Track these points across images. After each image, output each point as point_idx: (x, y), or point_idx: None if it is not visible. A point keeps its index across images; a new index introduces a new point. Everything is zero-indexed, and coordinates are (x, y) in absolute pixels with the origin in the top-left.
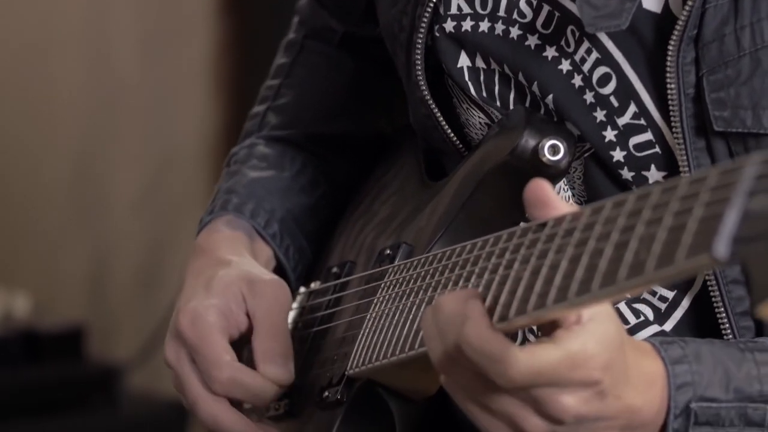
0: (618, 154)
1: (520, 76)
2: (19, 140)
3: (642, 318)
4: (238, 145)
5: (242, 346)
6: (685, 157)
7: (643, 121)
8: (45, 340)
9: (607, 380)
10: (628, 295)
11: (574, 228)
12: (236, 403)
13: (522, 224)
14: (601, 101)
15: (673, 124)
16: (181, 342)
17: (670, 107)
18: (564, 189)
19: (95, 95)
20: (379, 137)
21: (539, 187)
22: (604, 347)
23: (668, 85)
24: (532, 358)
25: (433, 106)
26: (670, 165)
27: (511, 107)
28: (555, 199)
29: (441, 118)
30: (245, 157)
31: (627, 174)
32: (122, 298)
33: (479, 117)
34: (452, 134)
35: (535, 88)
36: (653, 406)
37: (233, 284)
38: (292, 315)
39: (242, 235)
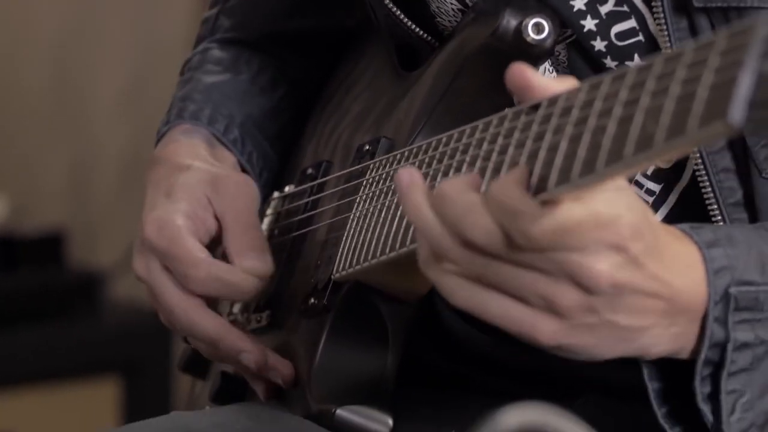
0: (599, 44)
1: None
2: None
3: None
4: (192, 51)
5: (214, 249)
6: (668, 41)
7: (625, 8)
8: (23, 246)
9: (638, 248)
10: (635, 173)
11: (571, 106)
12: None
13: (513, 107)
14: None
15: (654, 6)
16: (151, 252)
17: None
18: (549, 71)
19: None
20: (340, 31)
21: (519, 71)
22: (631, 211)
23: None
24: (555, 215)
25: (391, 5)
26: (653, 53)
27: None
28: (541, 80)
29: (402, 16)
30: (199, 62)
31: (610, 63)
32: (105, 201)
33: (452, 3)
34: (418, 29)
35: None
36: (694, 291)
37: (196, 188)
38: (266, 222)
39: (201, 142)
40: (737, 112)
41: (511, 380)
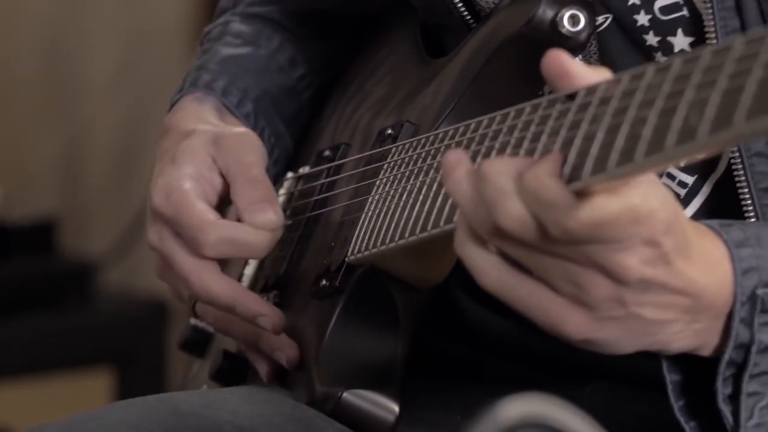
0: (642, 18)
1: None
2: None
3: None
4: (212, 23)
5: (224, 208)
6: (711, 18)
7: None
8: (14, 234)
9: (669, 244)
10: (673, 165)
11: (611, 96)
12: None
13: (547, 95)
14: None
15: None
16: (161, 220)
17: None
18: (580, 62)
19: None
20: (365, 17)
21: (557, 57)
22: (665, 206)
23: None
24: (592, 208)
25: None
26: (696, 30)
27: None
28: (579, 68)
29: None
30: (218, 34)
31: (652, 39)
32: (97, 187)
33: None
34: (460, 4)
35: None
36: (720, 290)
37: (200, 149)
38: (279, 201)
39: (210, 109)
40: None
41: (523, 366)
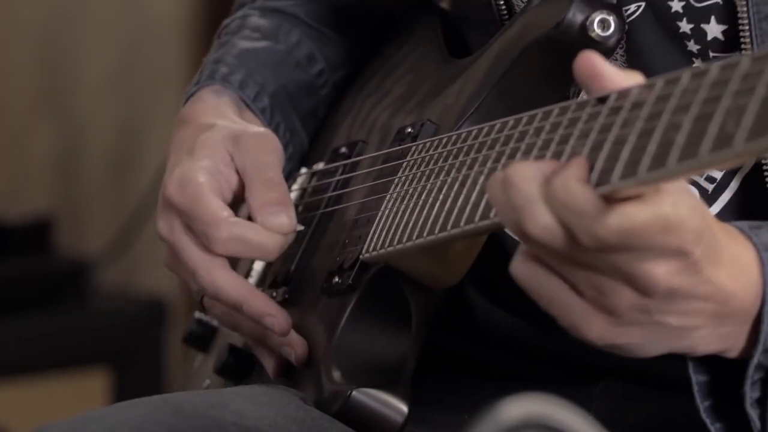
0: (676, 5)
1: None
2: None
3: None
4: (231, 16)
5: (237, 207)
6: (745, 5)
7: None
8: (9, 233)
9: (698, 253)
10: (705, 172)
11: (644, 101)
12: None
13: (577, 98)
14: None
15: None
16: (173, 211)
17: None
18: None
19: None
20: (386, 17)
21: (590, 58)
22: (696, 214)
23: None
24: (622, 216)
25: None
26: (729, 17)
27: None
28: (611, 71)
29: None
30: (237, 28)
31: (685, 26)
32: (94, 185)
33: None
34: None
35: None
36: (748, 294)
37: (218, 144)
38: (292, 197)
39: (229, 102)
40: None
41: (533, 364)
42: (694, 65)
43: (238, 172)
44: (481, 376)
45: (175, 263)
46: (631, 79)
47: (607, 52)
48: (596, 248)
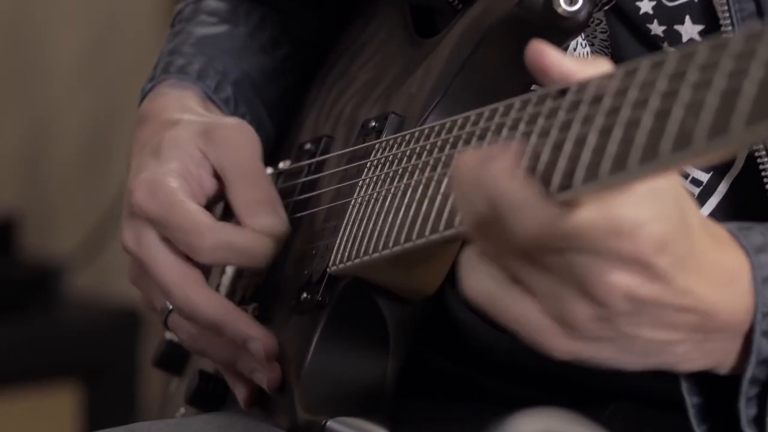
0: (645, 5)
1: None
2: None
3: None
4: (184, 1)
5: (212, 211)
6: (725, 3)
7: None
8: None
9: (663, 264)
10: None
11: (603, 94)
12: None
13: (538, 90)
14: None
15: None
16: (143, 220)
17: None
18: (582, 45)
19: None
20: None
21: (536, 51)
22: (658, 221)
23: None
24: (564, 212)
25: None
26: (706, 16)
27: None
28: (560, 64)
29: None
30: (191, 13)
31: (657, 29)
32: (62, 182)
33: None
34: None
35: None
36: (736, 307)
37: (187, 143)
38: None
39: (192, 95)
40: None
41: (532, 387)
42: (654, 54)
43: (212, 171)
44: (472, 399)
45: (141, 278)
46: (593, 68)
47: (578, 27)
48: (534, 245)
